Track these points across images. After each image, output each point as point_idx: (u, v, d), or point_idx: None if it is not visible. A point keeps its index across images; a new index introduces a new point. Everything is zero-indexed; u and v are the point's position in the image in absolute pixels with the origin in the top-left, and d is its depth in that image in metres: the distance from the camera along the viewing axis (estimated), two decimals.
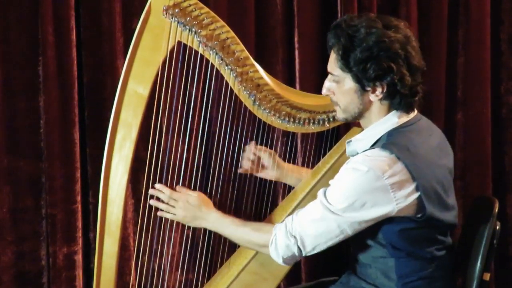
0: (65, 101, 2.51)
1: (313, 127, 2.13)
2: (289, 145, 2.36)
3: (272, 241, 1.92)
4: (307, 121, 2.11)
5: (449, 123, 2.99)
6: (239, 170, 2.28)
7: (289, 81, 2.72)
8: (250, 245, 2.02)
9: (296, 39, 2.77)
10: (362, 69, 1.84)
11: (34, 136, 2.52)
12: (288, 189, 2.31)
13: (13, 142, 2.51)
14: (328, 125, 2.14)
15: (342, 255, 2.61)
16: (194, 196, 2.05)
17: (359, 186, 1.81)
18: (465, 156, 3.03)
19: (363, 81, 1.86)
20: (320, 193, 1.88)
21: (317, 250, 1.89)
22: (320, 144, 2.27)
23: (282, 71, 2.76)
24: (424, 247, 1.91)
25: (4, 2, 2.45)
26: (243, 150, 2.26)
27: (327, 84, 1.95)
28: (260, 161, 2.29)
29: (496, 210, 2.02)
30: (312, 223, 1.86)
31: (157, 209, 2.09)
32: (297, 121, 2.11)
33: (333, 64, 1.91)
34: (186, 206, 2.05)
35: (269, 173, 2.31)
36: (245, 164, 2.28)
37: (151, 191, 2.07)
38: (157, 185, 2.07)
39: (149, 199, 2.07)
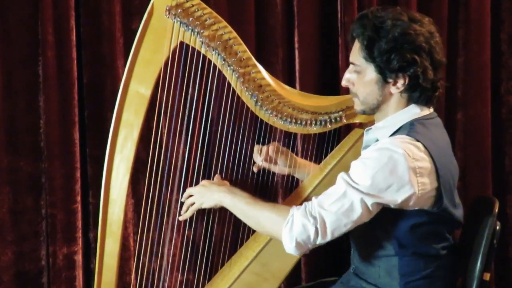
0: (65, 101, 2.51)
1: (314, 128, 2.13)
2: (291, 146, 2.35)
3: (288, 220, 1.85)
4: (308, 122, 2.11)
5: (449, 123, 3.00)
6: (254, 169, 2.26)
7: (289, 81, 2.73)
8: (264, 223, 1.92)
9: (296, 39, 2.77)
10: (386, 59, 1.84)
11: (34, 136, 2.52)
12: (289, 189, 2.31)
13: (13, 142, 2.51)
14: (329, 126, 2.14)
15: (343, 255, 2.61)
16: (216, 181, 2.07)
17: (386, 165, 1.79)
18: (465, 156, 3.04)
19: (386, 72, 1.86)
20: (341, 174, 1.85)
21: (336, 234, 1.84)
22: (321, 145, 2.27)
23: (282, 71, 2.77)
24: (431, 243, 1.92)
25: (4, 2, 2.45)
26: (245, 151, 2.25)
27: (347, 75, 1.95)
28: (275, 159, 2.26)
29: (496, 210, 2.03)
30: (334, 202, 1.82)
31: (157, 209, 2.09)
32: (298, 122, 2.10)
33: (356, 54, 1.91)
34: (200, 188, 2.04)
35: (284, 170, 2.28)
36: (260, 162, 2.25)
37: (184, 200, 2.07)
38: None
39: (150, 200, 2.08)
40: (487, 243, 1.97)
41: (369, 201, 1.80)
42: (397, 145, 1.80)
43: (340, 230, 1.83)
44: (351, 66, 1.94)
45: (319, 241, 1.84)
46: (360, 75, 1.91)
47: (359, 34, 1.88)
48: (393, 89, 1.89)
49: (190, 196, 2.06)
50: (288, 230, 1.85)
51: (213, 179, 2.14)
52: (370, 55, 1.86)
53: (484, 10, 2.97)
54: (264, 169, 2.28)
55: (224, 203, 2.00)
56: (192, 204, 2.05)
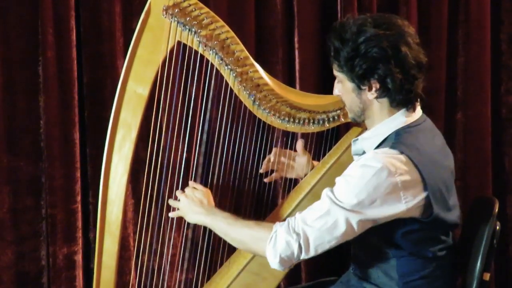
0: (65, 101, 2.51)
1: (312, 127, 2.14)
2: (289, 145, 2.36)
3: (271, 237, 1.86)
4: (306, 121, 2.12)
5: (449, 123, 3.00)
6: (265, 180, 2.31)
7: (289, 81, 2.73)
8: (247, 241, 1.93)
9: (296, 39, 2.77)
10: (350, 67, 1.85)
11: (34, 136, 2.52)
12: (288, 188, 2.31)
13: (13, 142, 2.50)
14: (327, 125, 2.15)
15: (342, 255, 2.61)
16: (200, 191, 2.05)
17: (370, 182, 1.79)
18: (465, 156, 3.03)
19: (355, 80, 1.87)
20: (326, 190, 1.85)
21: (319, 250, 1.84)
22: (319, 144, 2.27)
23: (282, 71, 2.76)
24: (427, 247, 1.92)
25: (4, 2, 2.45)
26: (244, 150, 2.25)
27: (336, 85, 1.97)
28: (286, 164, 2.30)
29: (496, 210, 2.02)
30: (318, 218, 1.82)
31: (156, 208, 2.10)
32: (296, 121, 2.11)
33: (333, 66, 1.93)
34: (186, 201, 2.04)
35: (299, 174, 2.32)
36: (271, 171, 2.31)
37: (170, 202, 2.08)
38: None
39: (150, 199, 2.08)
40: (487, 243, 1.97)
41: (354, 219, 1.80)
42: (379, 161, 1.80)
43: (324, 247, 1.83)
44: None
45: (303, 256, 1.84)
46: (342, 85, 1.94)
47: (330, 46, 1.89)
48: (369, 95, 1.89)
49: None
50: (272, 246, 1.86)
51: (211, 178, 2.14)
52: (339, 65, 1.88)
53: (484, 10, 2.97)
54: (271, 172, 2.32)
55: (205, 224, 2.02)
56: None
